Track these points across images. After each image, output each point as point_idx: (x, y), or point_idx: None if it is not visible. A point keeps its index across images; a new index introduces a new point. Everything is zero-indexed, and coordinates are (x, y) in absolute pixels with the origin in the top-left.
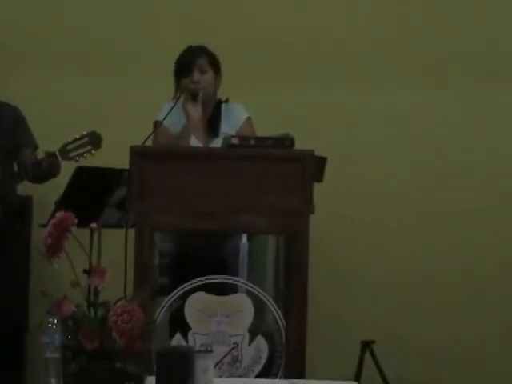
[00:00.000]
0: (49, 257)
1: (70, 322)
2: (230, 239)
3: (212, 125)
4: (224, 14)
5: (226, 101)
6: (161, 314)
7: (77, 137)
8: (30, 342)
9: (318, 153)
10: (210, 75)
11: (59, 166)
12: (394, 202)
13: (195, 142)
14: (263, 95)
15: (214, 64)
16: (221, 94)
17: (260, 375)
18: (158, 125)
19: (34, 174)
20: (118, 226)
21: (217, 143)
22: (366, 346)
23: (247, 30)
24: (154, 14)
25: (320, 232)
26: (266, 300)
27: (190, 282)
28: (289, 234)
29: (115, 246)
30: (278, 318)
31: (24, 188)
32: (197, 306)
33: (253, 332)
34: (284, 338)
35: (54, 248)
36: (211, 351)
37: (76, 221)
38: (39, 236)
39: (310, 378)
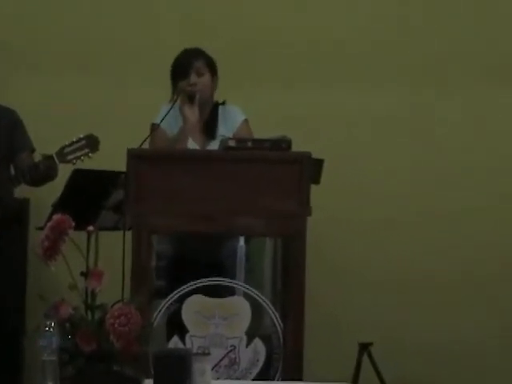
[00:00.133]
0: (46, 260)
1: (67, 325)
2: (227, 242)
3: (209, 127)
4: (224, 13)
5: (223, 103)
6: (158, 316)
7: (74, 140)
8: (28, 345)
9: (317, 153)
10: (206, 77)
11: (56, 169)
12: (393, 202)
13: (192, 144)
14: (263, 95)
15: (211, 66)
16: (221, 94)
17: (257, 378)
18: (154, 127)
19: (31, 176)
20: (115, 228)
21: (214, 146)
22: (364, 348)
23: (247, 29)
24: (154, 14)
25: (318, 233)
26: (263, 302)
27: (187, 285)
28: (286, 236)
29: (112, 248)
30: (275, 320)
31: (21, 191)
32: (194, 308)
33: (250, 334)
34: (281, 340)
35: (51, 251)
36: (209, 354)
37: (73, 223)
38: (36, 239)
39: (308, 380)
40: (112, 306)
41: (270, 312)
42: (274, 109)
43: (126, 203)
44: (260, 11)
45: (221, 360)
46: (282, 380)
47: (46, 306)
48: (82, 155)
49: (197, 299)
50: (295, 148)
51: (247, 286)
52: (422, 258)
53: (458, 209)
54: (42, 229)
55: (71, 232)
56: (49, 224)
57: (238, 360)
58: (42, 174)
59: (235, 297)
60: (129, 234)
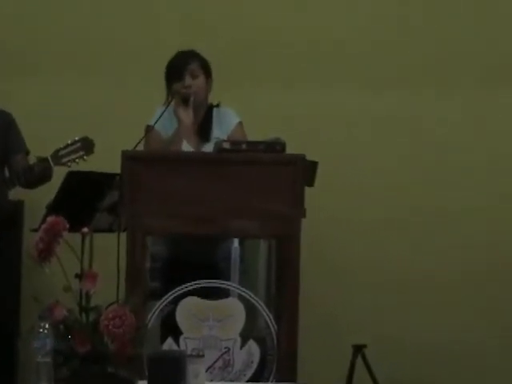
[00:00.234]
0: (40, 261)
1: (61, 327)
2: (221, 243)
3: (203, 129)
4: (224, 13)
5: (217, 105)
6: (152, 318)
7: (69, 142)
8: (22, 347)
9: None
10: (201, 80)
11: (51, 172)
12: (393, 202)
13: (187, 146)
14: (263, 95)
15: (206, 68)
16: (221, 94)
17: (252, 379)
18: (149, 129)
19: (25, 179)
20: (109, 230)
21: (208, 148)
22: (358, 350)
23: (247, 29)
24: (154, 14)
25: (314, 234)
26: (257, 304)
27: (181, 287)
28: (280, 238)
29: (107, 250)
30: (269, 322)
31: (15, 193)
32: (188, 310)
33: (244, 336)
34: (276, 342)
35: (46, 253)
36: (203, 356)
37: (67, 225)
38: (31, 241)
39: (302, 382)
40: (106, 308)
41: (264, 314)
42: (273, 109)
43: (120, 205)
44: (260, 11)
45: (215, 362)
46: (276, 382)
47: (41, 308)
48: (76, 158)
49: (191, 301)
50: (295, 148)
51: (241, 288)
52: (422, 259)
53: (457, 209)
54: (36, 231)
55: (65, 234)
56: (43, 226)
57: (232, 362)
58: (36, 176)
59: (229, 298)
60: (123, 235)
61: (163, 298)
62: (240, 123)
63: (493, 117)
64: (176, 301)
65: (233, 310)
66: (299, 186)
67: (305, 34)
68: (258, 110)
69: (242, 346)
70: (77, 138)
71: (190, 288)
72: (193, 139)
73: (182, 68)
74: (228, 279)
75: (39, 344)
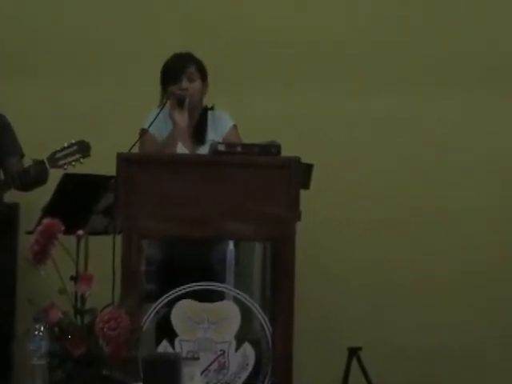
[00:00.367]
0: (35, 264)
1: (56, 329)
2: (216, 246)
3: (198, 132)
4: (224, 13)
5: (212, 108)
6: (147, 320)
7: (65, 145)
8: (17, 349)
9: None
10: (197, 83)
11: (47, 174)
12: (393, 202)
13: (182, 149)
14: (263, 95)
15: (202, 72)
16: (221, 94)
17: (247, 382)
18: (143, 132)
19: (21, 181)
20: (105, 232)
21: (203, 151)
22: (353, 352)
23: (247, 29)
24: (154, 14)
25: (310, 237)
26: (252, 307)
27: (176, 289)
28: (275, 240)
29: (102, 252)
30: (264, 324)
31: (11, 195)
32: (183, 312)
33: (239, 339)
34: (271, 344)
35: (41, 255)
36: (198, 358)
37: (63, 228)
38: (26, 243)
39: None
40: (102, 310)
41: (260, 316)
42: (273, 109)
43: (115, 207)
44: (260, 11)
45: (210, 364)
46: None
47: (36, 311)
48: (73, 160)
49: (186, 303)
50: (295, 148)
51: (236, 291)
52: (422, 259)
53: (457, 209)
54: (31, 233)
55: (61, 236)
56: (38, 228)
57: (227, 364)
58: (32, 178)
59: (224, 301)
60: (119, 238)
61: (158, 301)
62: (234, 126)
63: (493, 117)
64: (171, 303)
65: (228, 313)
66: (294, 188)
67: (305, 33)
68: (257, 110)
69: (237, 349)
70: (73, 141)
71: (185, 290)
72: (188, 141)
73: (180, 71)
74: (223, 282)
75: (34, 346)
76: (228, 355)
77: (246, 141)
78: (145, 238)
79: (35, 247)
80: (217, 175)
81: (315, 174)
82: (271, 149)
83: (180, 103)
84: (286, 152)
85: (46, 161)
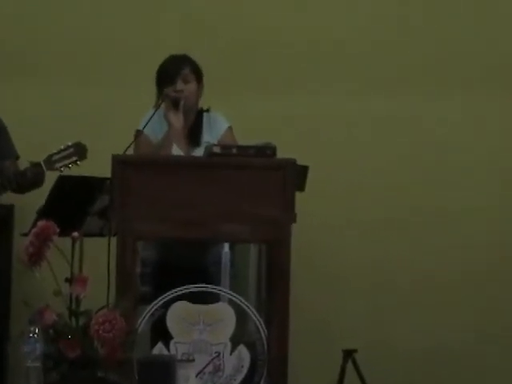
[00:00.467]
0: (30, 266)
1: (51, 331)
2: (212, 248)
3: (194, 134)
4: (224, 13)
5: (207, 110)
6: (143, 322)
7: (62, 147)
8: (12, 351)
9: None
10: (193, 85)
11: (44, 177)
12: (393, 202)
13: (177, 150)
14: (263, 95)
15: (197, 74)
16: (220, 94)
17: None
18: (138, 133)
19: (18, 184)
20: (100, 234)
21: (198, 153)
22: (348, 354)
23: (247, 29)
24: (154, 14)
25: (307, 239)
26: (247, 309)
27: (171, 291)
28: (271, 242)
29: (97, 254)
30: (259, 326)
31: (6, 197)
32: (179, 314)
33: (235, 341)
34: (266, 346)
35: (36, 257)
36: (193, 360)
37: (58, 230)
38: (21, 245)
39: None
40: (96, 312)
41: (255, 318)
42: (273, 109)
43: (111, 209)
44: (260, 11)
45: (205, 367)
46: None
47: (31, 312)
48: (70, 163)
49: (181, 305)
50: (295, 148)
51: (232, 293)
52: (422, 259)
53: (457, 209)
54: (26, 235)
55: (56, 238)
56: (33, 230)
57: (222, 366)
58: (29, 181)
59: (220, 303)
60: (114, 239)
61: (153, 303)
62: (230, 128)
63: (493, 117)
64: (166, 305)
65: (223, 315)
66: (290, 190)
67: (305, 33)
68: (257, 110)
69: (232, 351)
70: (70, 143)
71: (181, 292)
72: (183, 143)
73: (175, 73)
74: (218, 284)
75: (29, 348)
76: (223, 357)
77: (245, 141)
78: (140, 240)
79: (30, 249)
80: (212, 177)
81: (315, 174)
82: (266, 150)
83: (175, 105)
84: (285, 152)
85: (42, 163)
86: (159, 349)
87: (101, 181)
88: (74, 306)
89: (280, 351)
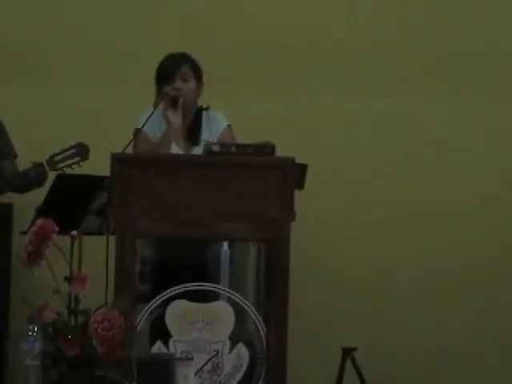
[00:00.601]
0: (29, 264)
1: (50, 330)
2: (211, 246)
3: (192, 132)
4: (224, 14)
5: (207, 108)
6: (141, 321)
7: (65, 148)
8: (11, 350)
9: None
10: (191, 83)
11: (46, 177)
12: (393, 202)
13: (176, 149)
14: (263, 95)
15: (196, 72)
16: (220, 94)
17: (241, 383)
18: (137, 132)
19: (20, 183)
20: (98, 233)
21: (197, 151)
22: (347, 353)
23: (247, 29)
24: (154, 14)
25: (308, 238)
26: (246, 307)
27: (170, 290)
28: (269, 241)
29: (96, 253)
30: (258, 325)
31: (4, 195)
32: (177, 313)
33: (234, 339)
34: (265, 345)
35: (35, 255)
36: (192, 359)
37: (57, 228)
38: (20, 243)
39: None
40: (95, 311)
41: (254, 317)
42: (273, 109)
43: (109, 208)
44: (260, 11)
45: (204, 365)
46: None
47: (30, 311)
48: (72, 163)
49: (180, 304)
50: (295, 148)
51: (231, 291)
52: (422, 259)
53: (457, 209)
54: (25, 233)
55: (55, 236)
56: (32, 229)
57: (221, 365)
58: (31, 181)
59: (219, 301)
60: (112, 238)
61: (152, 301)
62: (229, 126)
63: (493, 117)
64: (165, 304)
65: (222, 313)
66: (289, 189)
67: (305, 33)
68: (257, 110)
69: (231, 349)
70: (72, 144)
71: (180, 291)
72: (182, 141)
73: (174, 71)
74: (217, 282)
75: (28, 347)
76: (222, 356)
77: (245, 141)
78: (139, 239)
79: (29, 247)
80: (211, 175)
81: (315, 174)
82: (265, 149)
83: (174, 103)
84: (285, 152)
85: (45, 163)
86: (158, 347)
87: (99, 179)
88: (73, 305)
89: (279, 349)
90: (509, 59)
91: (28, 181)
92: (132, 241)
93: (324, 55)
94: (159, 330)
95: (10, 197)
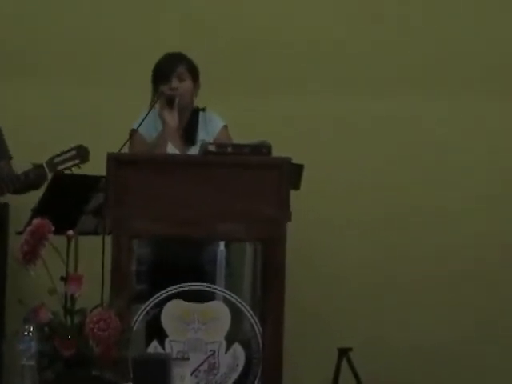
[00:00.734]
0: (25, 264)
1: (46, 330)
2: (207, 246)
3: (189, 133)
4: (224, 14)
5: (203, 109)
6: (138, 321)
7: (64, 150)
8: (7, 350)
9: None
10: (188, 83)
11: (46, 178)
12: (393, 202)
13: (172, 149)
14: (262, 95)
15: (193, 72)
16: (219, 94)
17: (237, 383)
18: (133, 132)
19: (20, 185)
20: (95, 233)
21: (194, 151)
22: (343, 353)
23: (247, 29)
24: (154, 14)
25: (306, 238)
26: (242, 307)
27: (166, 290)
28: (266, 241)
29: (92, 253)
30: (254, 325)
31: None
32: (174, 313)
33: (230, 339)
34: (261, 345)
35: (31, 255)
36: (188, 359)
37: (53, 228)
38: (16, 243)
39: None
40: (91, 311)
41: (250, 317)
42: (273, 109)
43: (105, 207)
44: (260, 11)
45: (200, 365)
46: None
47: (26, 311)
48: (72, 165)
49: (176, 304)
50: (294, 147)
51: (227, 291)
52: (422, 258)
53: (457, 209)
54: (21, 233)
55: (51, 236)
56: (28, 228)
57: (217, 365)
58: (31, 182)
59: (215, 301)
60: (109, 238)
61: (148, 301)
62: (225, 127)
63: (493, 117)
64: (161, 304)
65: (218, 313)
66: (285, 188)
67: (305, 33)
68: (257, 110)
69: (227, 350)
70: (72, 146)
71: (176, 291)
72: (178, 141)
73: (170, 70)
74: (213, 282)
75: (24, 347)
76: (218, 356)
77: (244, 141)
78: (135, 239)
79: (25, 247)
80: (207, 175)
81: (315, 173)
82: (262, 149)
83: (170, 103)
84: (285, 152)
85: (45, 165)
86: (154, 347)
87: (96, 179)
88: (69, 305)
89: (275, 349)
90: (509, 59)
91: (28, 182)
92: (128, 241)
93: (324, 55)
94: (155, 330)
95: (6, 197)
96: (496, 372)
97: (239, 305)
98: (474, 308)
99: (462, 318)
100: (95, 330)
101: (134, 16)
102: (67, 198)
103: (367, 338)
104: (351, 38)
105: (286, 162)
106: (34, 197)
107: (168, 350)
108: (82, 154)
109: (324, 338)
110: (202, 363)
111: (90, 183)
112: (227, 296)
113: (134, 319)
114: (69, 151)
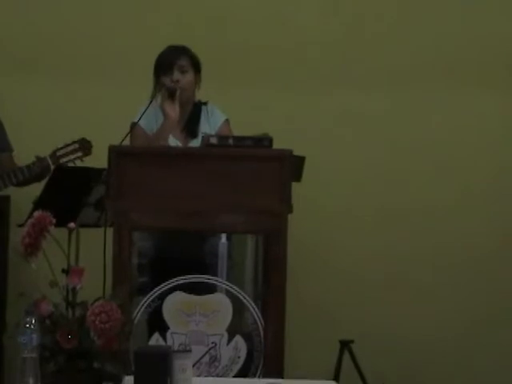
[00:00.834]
0: (27, 256)
1: (47, 322)
2: (208, 239)
3: (190, 126)
4: (223, 14)
5: (205, 103)
6: (139, 313)
7: (67, 143)
8: (8, 342)
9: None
10: (190, 76)
11: (49, 171)
12: (393, 202)
13: (173, 141)
14: (261, 95)
15: (195, 65)
16: (219, 94)
17: (238, 375)
18: (134, 126)
19: (24, 178)
20: (96, 225)
21: (195, 144)
22: (345, 345)
23: (246, 30)
24: (154, 14)
25: (307, 231)
26: (244, 300)
27: (168, 282)
28: (267, 233)
29: (94, 245)
30: (256, 317)
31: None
32: (175, 305)
33: (231, 332)
34: (262, 337)
35: (32, 248)
36: (189, 351)
37: (54, 220)
38: (17, 236)
39: (289, 377)
40: (93, 303)
41: (251, 309)
42: (271, 109)
43: (107, 200)
44: (256, 12)
45: (202, 357)
46: (262, 377)
47: (27, 303)
48: (74, 158)
49: (178, 296)
50: (295, 147)
51: (229, 284)
52: (420, 255)
53: (457, 209)
54: (22, 226)
55: (52, 229)
56: (30, 221)
57: (218, 357)
58: (34, 175)
59: (216, 294)
60: (110, 230)
61: (150, 293)
62: (227, 120)
63: (492, 117)
64: (163, 296)
65: (220, 306)
66: (286, 181)
67: (303, 34)
68: (257, 110)
69: (228, 342)
70: (75, 139)
71: (177, 283)
72: (179, 133)
73: (172, 62)
74: (215, 274)
75: (25, 339)
76: (220, 348)
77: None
78: (136, 231)
79: (26, 240)
80: (208, 168)
81: (315, 171)
82: (263, 141)
83: (171, 95)
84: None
85: (48, 158)
86: (156, 339)
87: (97, 171)
88: (70, 297)
89: (277, 342)
90: (509, 59)
91: (31, 175)
92: (129, 233)
93: (323, 55)
94: (157, 323)
95: (7, 189)
96: (496, 372)
97: (241, 297)
98: (475, 302)
99: (462, 311)
100: (97, 323)
101: (134, 16)
102: (68, 191)
103: (369, 330)
104: (351, 38)
105: (288, 154)
106: (36, 189)
107: (170, 342)
108: (84, 146)
109: (325, 330)
110: (204, 355)
111: (91, 175)
112: (229, 288)
113: (136, 311)
114: (71, 144)
